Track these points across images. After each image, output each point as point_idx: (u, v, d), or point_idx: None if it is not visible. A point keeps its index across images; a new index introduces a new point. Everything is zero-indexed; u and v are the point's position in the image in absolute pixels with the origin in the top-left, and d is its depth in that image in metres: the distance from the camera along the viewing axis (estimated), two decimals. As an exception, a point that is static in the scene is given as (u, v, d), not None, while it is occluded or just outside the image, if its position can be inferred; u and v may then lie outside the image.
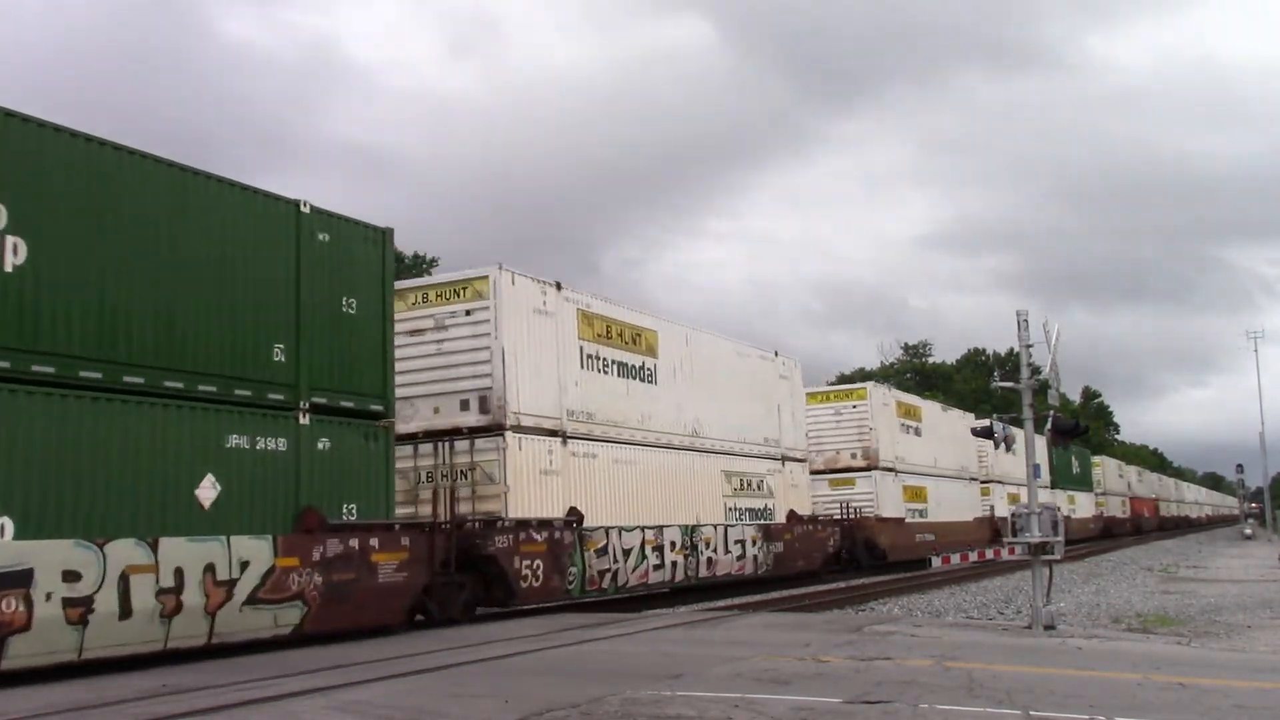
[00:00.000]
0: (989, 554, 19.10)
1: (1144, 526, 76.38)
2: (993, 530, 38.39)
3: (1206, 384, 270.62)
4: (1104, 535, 61.42)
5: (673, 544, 21.06)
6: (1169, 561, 38.38)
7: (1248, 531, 70.35)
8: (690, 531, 21.66)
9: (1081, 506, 57.55)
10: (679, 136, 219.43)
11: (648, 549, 20.28)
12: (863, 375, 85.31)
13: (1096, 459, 66.45)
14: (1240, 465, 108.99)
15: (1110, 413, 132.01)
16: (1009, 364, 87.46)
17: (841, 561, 29.94)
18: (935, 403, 41.44)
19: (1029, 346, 14.97)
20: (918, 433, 36.18)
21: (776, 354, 27.16)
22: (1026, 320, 14.91)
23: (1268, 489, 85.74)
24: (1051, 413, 15.30)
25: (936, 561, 21.84)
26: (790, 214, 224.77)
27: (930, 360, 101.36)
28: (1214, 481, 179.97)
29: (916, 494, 35.07)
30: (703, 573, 22.02)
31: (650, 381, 21.26)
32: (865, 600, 21.60)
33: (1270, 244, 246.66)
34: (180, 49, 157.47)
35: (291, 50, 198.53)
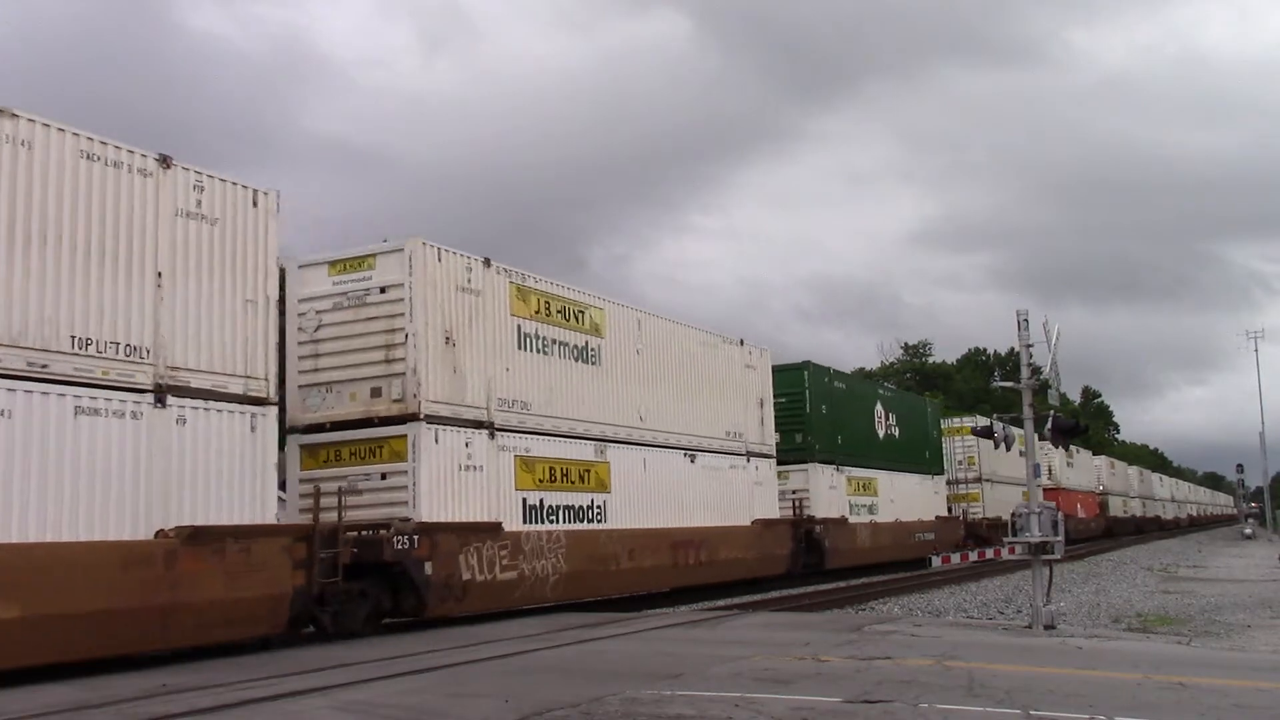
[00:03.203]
0: (989, 554, 19.11)
1: (1074, 532, 43.04)
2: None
3: (1206, 382, 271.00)
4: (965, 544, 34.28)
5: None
6: (1169, 561, 38.43)
7: (1248, 531, 70.40)
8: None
9: (906, 503, 32.21)
10: (661, 132, 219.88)
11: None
12: (863, 374, 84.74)
13: (955, 423, 40.69)
14: (1240, 465, 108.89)
15: (1110, 412, 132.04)
16: (1009, 363, 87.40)
17: None
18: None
19: (1029, 346, 14.96)
20: None
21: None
22: (1026, 320, 14.90)
23: (1268, 489, 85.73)
24: (1052, 412, 15.30)
25: (936, 561, 21.86)
26: (778, 211, 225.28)
27: (930, 360, 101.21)
28: (1214, 481, 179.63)
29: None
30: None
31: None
32: (865, 600, 21.61)
33: (1266, 240, 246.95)
34: (147, 43, 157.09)
35: (262, 45, 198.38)
